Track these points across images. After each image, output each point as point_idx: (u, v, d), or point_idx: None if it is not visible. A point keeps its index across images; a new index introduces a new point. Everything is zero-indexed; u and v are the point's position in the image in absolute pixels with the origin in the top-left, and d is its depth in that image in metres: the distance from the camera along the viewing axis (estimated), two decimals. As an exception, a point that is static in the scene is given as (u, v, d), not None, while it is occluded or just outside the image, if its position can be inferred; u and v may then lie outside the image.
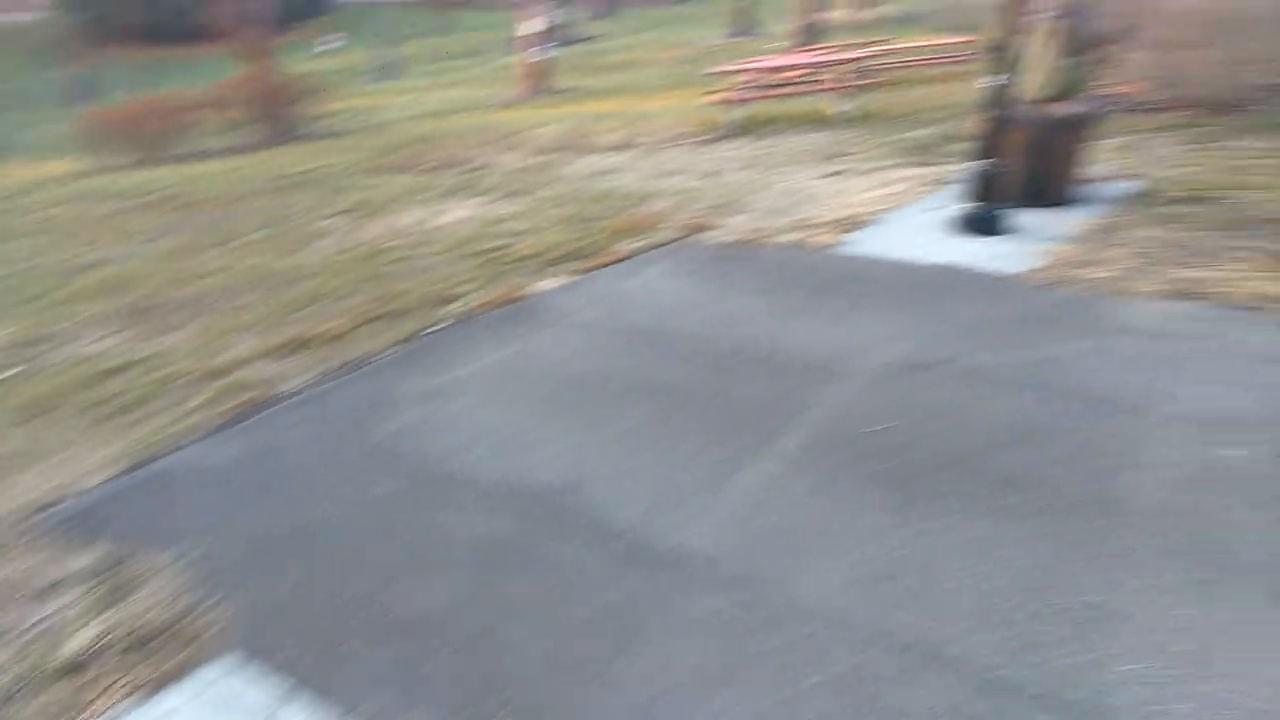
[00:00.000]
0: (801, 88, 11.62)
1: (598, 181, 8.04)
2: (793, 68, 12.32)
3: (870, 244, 5.50)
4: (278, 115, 14.44)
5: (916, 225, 5.80)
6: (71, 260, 6.74)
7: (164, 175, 11.10)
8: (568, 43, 33.63)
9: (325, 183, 9.11)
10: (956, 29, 20.36)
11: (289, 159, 11.25)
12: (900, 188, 6.75)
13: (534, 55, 22.51)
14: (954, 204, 6.17)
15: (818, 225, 5.97)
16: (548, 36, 22.91)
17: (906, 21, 29.62)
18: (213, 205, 8.43)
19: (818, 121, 10.21)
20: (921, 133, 8.90)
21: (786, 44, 22.85)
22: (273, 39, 14.78)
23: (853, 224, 5.93)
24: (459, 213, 7.24)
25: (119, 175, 12.01)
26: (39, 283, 6.12)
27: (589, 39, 36.31)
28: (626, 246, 5.87)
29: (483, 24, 53.49)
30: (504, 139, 11.55)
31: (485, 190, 8.04)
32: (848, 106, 10.28)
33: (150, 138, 13.23)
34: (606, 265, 5.52)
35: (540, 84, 22.54)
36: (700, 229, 6.16)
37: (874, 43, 17.90)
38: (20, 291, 5.94)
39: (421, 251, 6.21)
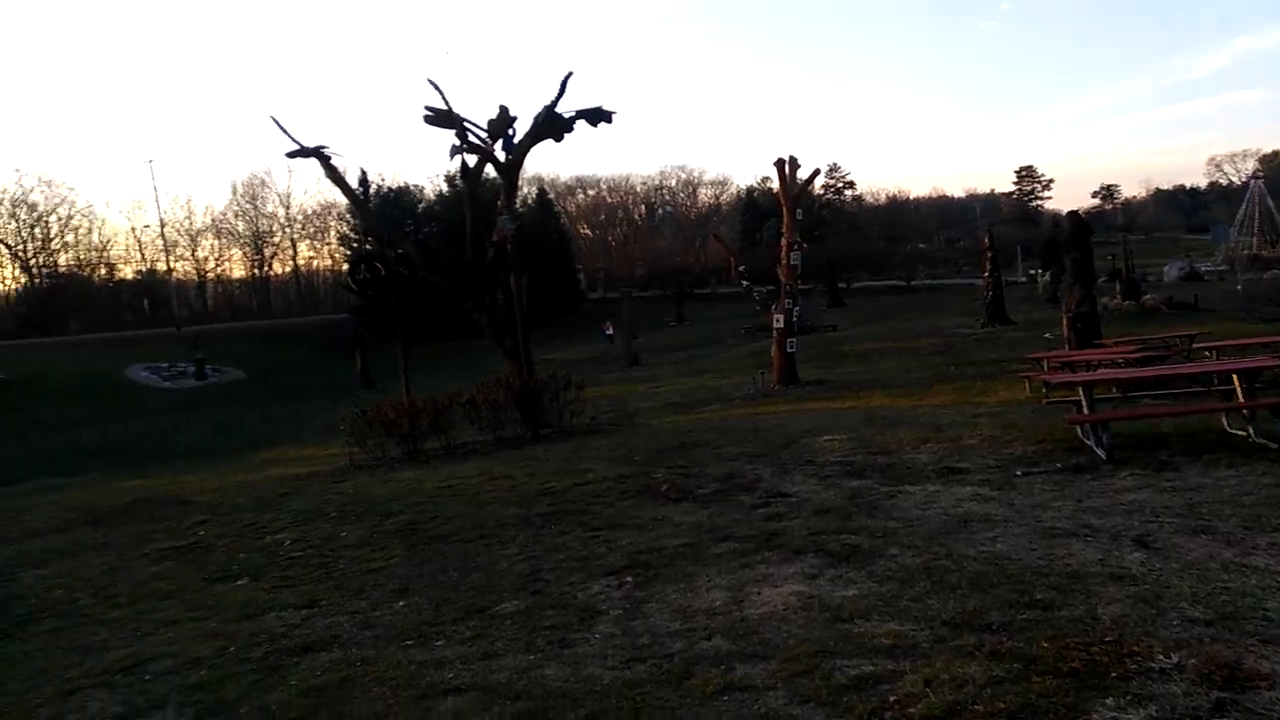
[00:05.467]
0: (1180, 405, 8.81)
1: (962, 540, 5.39)
2: (1158, 372, 9.53)
3: None
4: (536, 411, 13.40)
5: None
6: (281, 638, 4.94)
7: (419, 481, 9.77)
8: (803, 331, 32.63)
9: (587, 512, 7.11)
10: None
11: (546, 468, 9.62)
12: None
13: (781, 347, 21.13)
14: None
15: None
16: (791, 328, 21.60)
17: (1182, 311, 26.10)
18: (461, 543, 6.60)
19: (1225, 447, 7.20)
20: None
21: (1056, 337, 20.13)
22: (527, 337, 14.17)
23: None
24: (781, 590, 4.79)
25: (376, 476, 10.93)
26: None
27: (828, 329, 35.24)
28: None
29: (716, 314, 55.22)
30: (783, 448, 9.38)
31: (801, 545, 5.62)
32: (1261, 428, 7.23)
33: (411, 434, 12.43)
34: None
35: (787, 376, 20.94)
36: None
37: (1187, 337, 14.82)
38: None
39: (743, 676, 3.75)
